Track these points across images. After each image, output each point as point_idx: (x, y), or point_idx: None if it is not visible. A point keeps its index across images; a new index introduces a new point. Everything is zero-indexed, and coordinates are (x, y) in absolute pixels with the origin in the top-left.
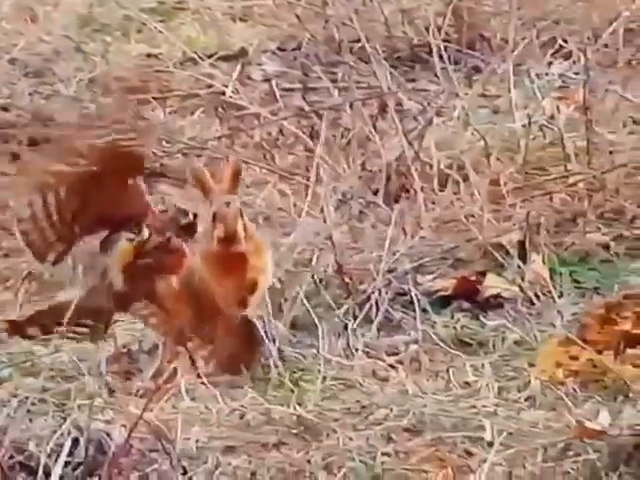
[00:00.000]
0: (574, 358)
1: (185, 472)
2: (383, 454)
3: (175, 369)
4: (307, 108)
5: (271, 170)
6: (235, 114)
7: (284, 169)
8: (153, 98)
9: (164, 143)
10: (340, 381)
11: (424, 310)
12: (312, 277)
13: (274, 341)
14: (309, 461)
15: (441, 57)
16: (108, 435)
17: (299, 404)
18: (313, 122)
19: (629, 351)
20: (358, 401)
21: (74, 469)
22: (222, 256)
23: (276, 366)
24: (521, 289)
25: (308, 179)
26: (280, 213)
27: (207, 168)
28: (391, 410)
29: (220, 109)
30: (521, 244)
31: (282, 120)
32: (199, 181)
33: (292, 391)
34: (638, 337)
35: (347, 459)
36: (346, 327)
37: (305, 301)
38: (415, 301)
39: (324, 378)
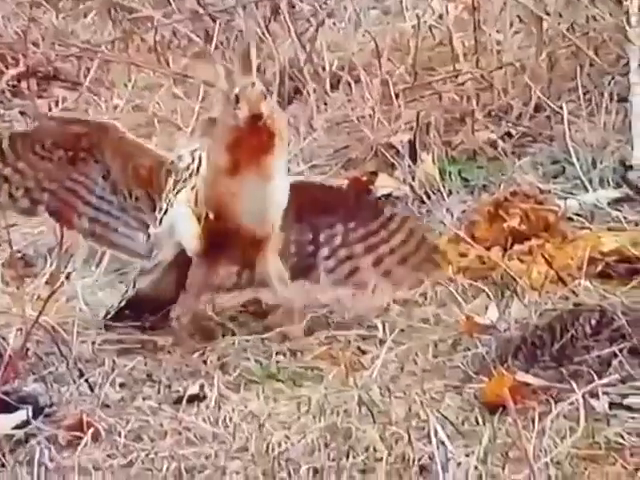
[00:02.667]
0: (463, 255)
1: (81, 374)
2: (278, 353)
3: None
4: (200, 11)
5: (164, 73)
6: (128, 17)
7: (178, 72)
8: (45, 0)
9: (57, 46)
10: None
11: None
12: None
13: None
14: (205, 362)
15: None
16: (4, 339)
17: None
18: (206, 25)
19: (516, 247)
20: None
21: None
22: (248, 133)
23: None
24: (412, 188)
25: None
26: (174, 116)
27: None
28: None
29: (113, 12)
30: (411, 144)
31: (175, 23)
32: (245, 60)
33: None
34: (525, 233)
35: (242, 359)
36: None
37: None
38: None
39: None
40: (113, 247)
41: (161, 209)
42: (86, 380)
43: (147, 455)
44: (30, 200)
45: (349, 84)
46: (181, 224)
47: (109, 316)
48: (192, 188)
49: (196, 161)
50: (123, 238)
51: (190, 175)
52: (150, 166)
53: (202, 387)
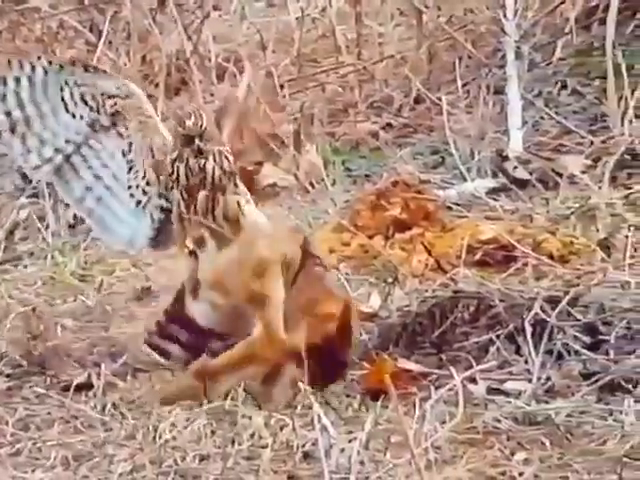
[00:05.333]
0: (346, 244)
1: None
2: None
3: None
4: (87, 1)
5: None
6: (15, 8)
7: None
8: None
9: None
10: (127, 272)
11: None
12: None
13: None
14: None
15: None
16: None
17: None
18: (93, 16)
19: (397, 236)
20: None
21: None
22: None
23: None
24: (296, 178)
25: None
26: None
27: None
28: None
29: (0, 2)
30: (296, 134)
31: (62, 14)
32: None
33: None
34: (406, 222)
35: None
36: None
37: None
38: None
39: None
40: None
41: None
42: None
43: (34, 444)
44: None
45: (235, 75)
46: None
47: None
48: None
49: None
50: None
51: None
52: None
53: (89, 376)
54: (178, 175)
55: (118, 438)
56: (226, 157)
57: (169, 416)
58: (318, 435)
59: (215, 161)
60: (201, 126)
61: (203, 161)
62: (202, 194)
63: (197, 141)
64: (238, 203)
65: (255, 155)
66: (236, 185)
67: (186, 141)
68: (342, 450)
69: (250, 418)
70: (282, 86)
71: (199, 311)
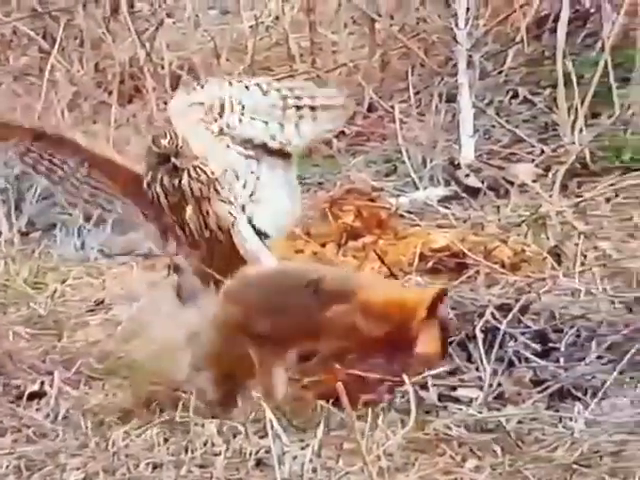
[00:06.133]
0: (299, 251)
1: None
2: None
3: None
4: (40, 9)
5: (6, 71)
6: None
7: (18, 70)
8: None
9: None
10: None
11: None
12: None
13: None
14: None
15: None
16: None
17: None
18: (46, 23)
19: (350, 243)
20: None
21: None
22: None
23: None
24: None
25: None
26: (12, 116)
27: None
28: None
29: None
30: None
31: (16, 21)
32: None
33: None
34: (359, 230)
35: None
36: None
37: None
38: None
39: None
40: None
41: None
42: None
43: None
44: None
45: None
46: None
47: None
48: None
49: None
50: None
51: None
52: None
53: (42, 384)
54: (158, 197)
55: (71, 447)
56: (202, 170)
57: (122, 424)
58: (271, 442)
59: (191, 177)
60: (176, 145)
61: (177, 180)
62: (188, 211)
63: (173, 159)
64: (230, 213)
65: None
66: (217, 191)
67: (161, 160)
68: (295, 457)
69: (203, 426)
70: None
71: None
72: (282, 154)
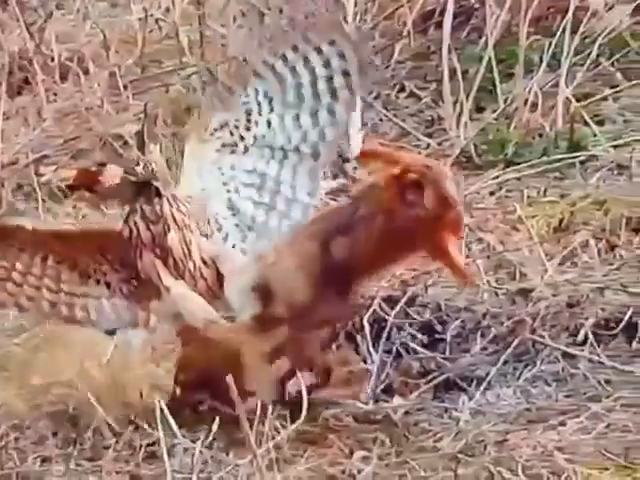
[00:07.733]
0: None
1: None
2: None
3: None
4: None
5: None
6: None
7: None
8: None
9: None
10: None
11: (43, 200)
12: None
13: None
14: None
15: None
16: None
17: None
18: None
19: None
20: None
21: None
22: None
23: None
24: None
25: None
26: None
27: None
28: None
29: None
30: (139, 135)
31: None
32: None
33: None
34: None
35: None
36: None
37: None
38: (38, 192)
39: None
40: None
41: None
42: None
43: None
44: None
45: (78, 75)
46: None
47: None
48: None
49: None
50: None
51: None
52: None
53: None
54: (138, 231)
55: None
56: (179, 200)
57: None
58: (160, 434)
59: (171, 205)
60: (152, 170)
61: (159, 207)
62: (174, 239)
63: (154, 183)
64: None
65: (96, 156)
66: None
67: (139, 188)
68: (185, 450)
69: (92, 418)
70: (125, 86)
71: None
72: None
